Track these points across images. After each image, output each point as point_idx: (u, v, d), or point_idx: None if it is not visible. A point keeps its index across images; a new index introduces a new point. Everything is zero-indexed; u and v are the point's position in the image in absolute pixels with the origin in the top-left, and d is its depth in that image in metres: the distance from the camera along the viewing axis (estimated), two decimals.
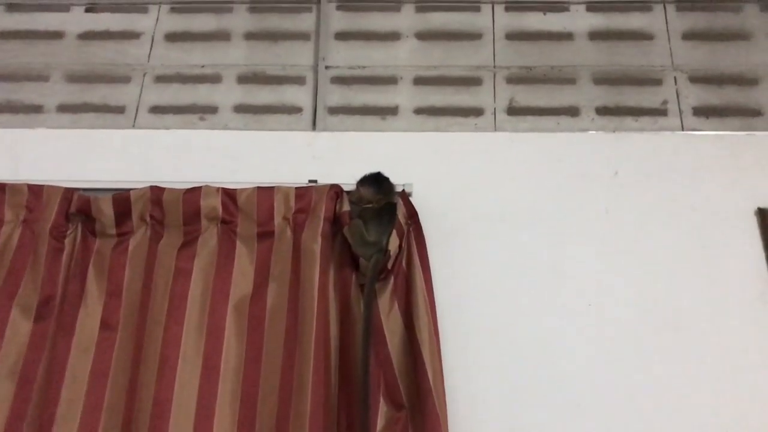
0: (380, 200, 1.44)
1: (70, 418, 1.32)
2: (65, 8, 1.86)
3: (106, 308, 1.41)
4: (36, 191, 1.50)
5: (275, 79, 1.76)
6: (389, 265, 1.41)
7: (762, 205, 1.51)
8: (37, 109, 1.74)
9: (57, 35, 1.83)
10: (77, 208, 1.48)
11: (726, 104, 1.68)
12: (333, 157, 1.62)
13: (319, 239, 1.42)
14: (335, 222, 1.45)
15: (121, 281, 1.44)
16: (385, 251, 1.39)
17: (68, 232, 1.48)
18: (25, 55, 1.80)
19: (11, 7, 1.86)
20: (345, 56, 1.78)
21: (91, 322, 1.40)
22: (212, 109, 1.73)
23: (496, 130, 1.67)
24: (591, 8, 1.80)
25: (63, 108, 1.74)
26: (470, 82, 1.73)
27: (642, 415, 1.35)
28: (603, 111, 1.68)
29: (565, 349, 1.41)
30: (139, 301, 1.41)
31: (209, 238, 1.45)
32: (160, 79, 1.77)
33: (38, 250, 1.45)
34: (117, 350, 1.38)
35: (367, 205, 1.44)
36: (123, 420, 1.32)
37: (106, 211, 1.48)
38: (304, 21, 1.82)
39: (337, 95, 1.73)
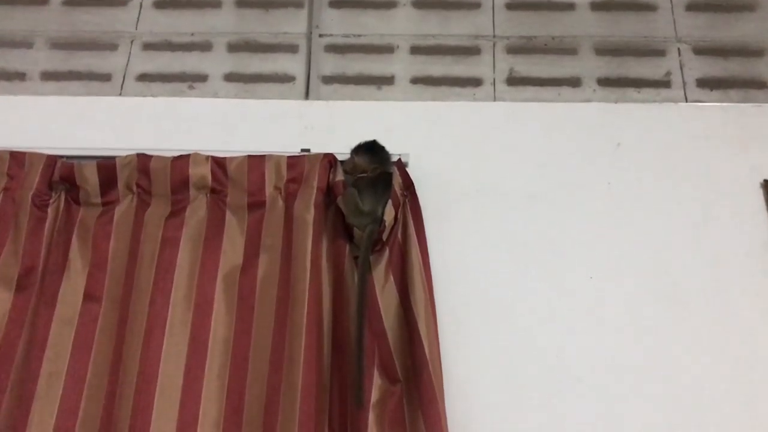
0: (375, 169, 1.39)
1: (52, 392, 1.27)
2: None
3: (90, 279, 1.36)
4: (18, 158, 1.45)
5: (267, 47, 1.71)
6: (384, 237, 1.37)
7: None
8: (20, 76, 1.68)
9: (41, 1, 1.76)
10: (61, 175, 1.43)
11: (730, 76, 1.64)
12: (326, 127, 1.57)
13: (312, 209, 1.36)
14: (329, 192, 1.40)
15: (105, 251, 1.39)
16: (381, 221, 1.34)
17: (51, 201, 1.42)
18: (7, 21, 1.74)
19: None
20: (339, 24, 1.72)
21: (74, 293, 1.35)
22: (202, 78, 1.67)
23: (495, 100, 1.62)
24: None
25: (47, 75, 1.68)
26: (469, 51, 1.68)
27: (644, 389, 1.31)
28: (605, 82, 1.64)
29: (565, 323, 1.37)
30: (125, 271, 1.36)
31: (198, 208, 1.40)
32: (149, 46, 1.71)
33: (20, 218, 1.40)
34: (101, 322, 1.33)
35: (362, 174, 1.39)
36: (106, 394, 1.28)
37: (91, 179, 1.43)
38: None
39: (331, 64, 1.68)
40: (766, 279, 1.40)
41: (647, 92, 1.62)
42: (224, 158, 1.43)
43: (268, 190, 1.42)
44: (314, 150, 1.48)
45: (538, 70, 1.66)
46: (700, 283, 1.40)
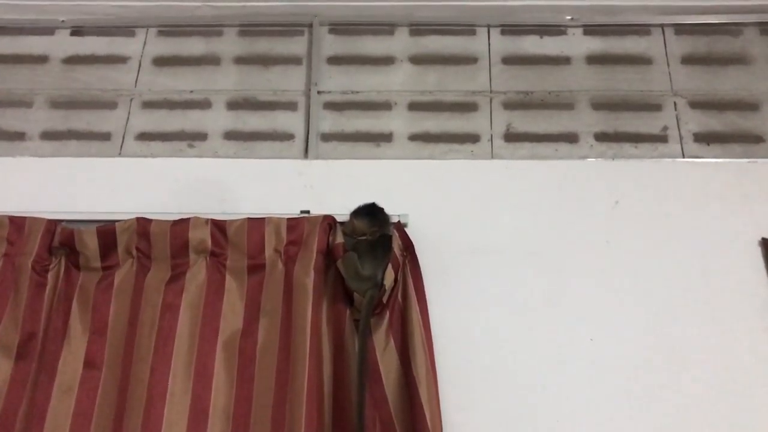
0: (375, 232, 1.39)
1: None
2: (50, 31, 1.81)
3: (90, 346, 1.36)
4: (18, 223, 1.45)
5: (266, 104, 1.72)
6: (384, 299, 1.37)
7: (766, 235, 1.47)
8: (19, 136, 1.69)
9: (41, 59, 1.78)
10: (60, 241, 1.43)
11: (727, 130, 1.65)
12: (325, 186, 1.58)
13: (312, 273, 1.37)
14: (328, 254, 1.41)
15: (105, 317, 1.39)
16: (380, 286, 1.34)
17: (51, 266, 1.42)
18: (7, 80, 1.76)
19: None
20: (338, 81, 1.74)
21: (74, 360, 1.35)
22: (201, 136, 1.68)
23: (492, 157, 1.63)
24: (588, 32, 1.77)
25: (46, 135, 1.69)
26: (466, 107, 1.69)
27: None
28: (602, 137, 1.65)
29: (566, 384, 1.37)
30: (125, 338, 1.36)
31: (198, 272, 1.40)
32: (148, 105, 1.72)
33: (20, 285, 1.40)
34: (101, 390, 1.33)
35: (362, 237, 1.39)
36: None
37: (91, 244, 1.43)
38: (296, 45, 1.78)
39: (329, 121, 1.69)
40: (766, 336, 1.40)
41: (644, 147, 1.63)
42: (224, 221, 1.44)
43: (268, 252, 1.42)
44: (314, 210, 1.49)
45: (535, 125, 1.67)
46: (700, 341, 1.40)
